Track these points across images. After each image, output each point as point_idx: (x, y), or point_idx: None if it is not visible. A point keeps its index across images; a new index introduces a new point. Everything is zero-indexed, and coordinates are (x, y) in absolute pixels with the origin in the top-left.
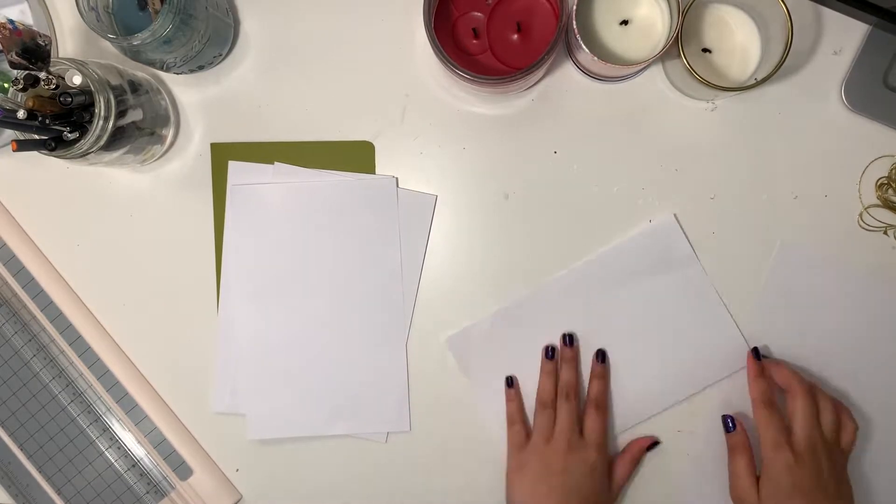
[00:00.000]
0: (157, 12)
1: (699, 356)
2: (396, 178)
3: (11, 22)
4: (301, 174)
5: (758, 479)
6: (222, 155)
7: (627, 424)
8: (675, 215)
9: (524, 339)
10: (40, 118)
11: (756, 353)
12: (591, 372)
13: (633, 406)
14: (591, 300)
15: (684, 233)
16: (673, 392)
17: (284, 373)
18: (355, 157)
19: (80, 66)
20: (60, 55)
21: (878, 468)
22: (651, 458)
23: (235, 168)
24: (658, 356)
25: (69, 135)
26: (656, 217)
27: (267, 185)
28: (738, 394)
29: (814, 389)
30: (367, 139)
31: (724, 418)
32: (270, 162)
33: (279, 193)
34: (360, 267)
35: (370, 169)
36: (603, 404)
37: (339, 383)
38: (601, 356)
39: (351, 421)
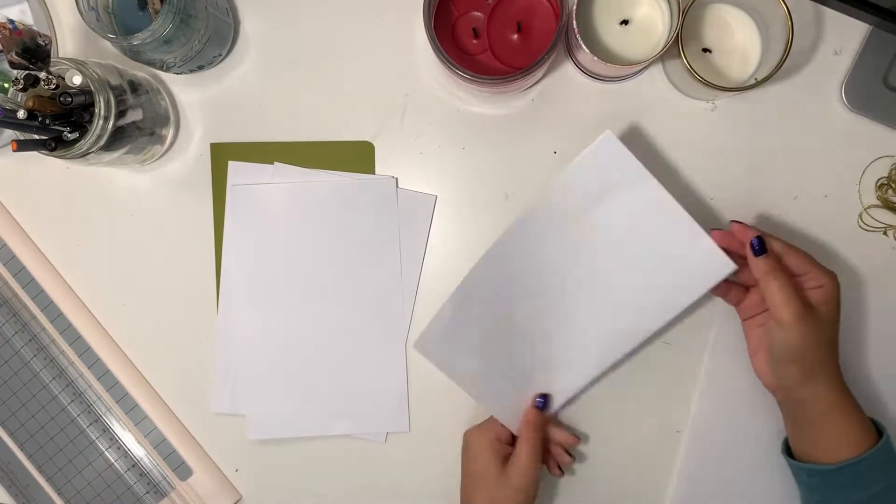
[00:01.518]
0: (157, 12)
1: (676, 274)
2: (396, 179)
3: (11, 22)
4: (301, 174)
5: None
6: (222, 155)
7: (616, 357)
8: (609, 132)
9: (491, 311)
10: (40, 118)
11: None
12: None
13: (619, 339)
14: (544, 245)
15: (627, 148)
16: (657, 317)
17: (284, 373)
18: (355, 157)
19: (80, 66)
20: (60, 55)
21: None
22: (649, 459)
23: (235, 168)
24: (636, 283)
25: (69, 135)
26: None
27: (267, 186)
28: (738, 391)
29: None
30: (366, 139)
31: (753, 242)
32: (270, 162)
33: (279, 193)
34: (360, 267)
35: (370, 169)
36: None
37: (339, 383)
38: (542, 401)
39: (350, 421)
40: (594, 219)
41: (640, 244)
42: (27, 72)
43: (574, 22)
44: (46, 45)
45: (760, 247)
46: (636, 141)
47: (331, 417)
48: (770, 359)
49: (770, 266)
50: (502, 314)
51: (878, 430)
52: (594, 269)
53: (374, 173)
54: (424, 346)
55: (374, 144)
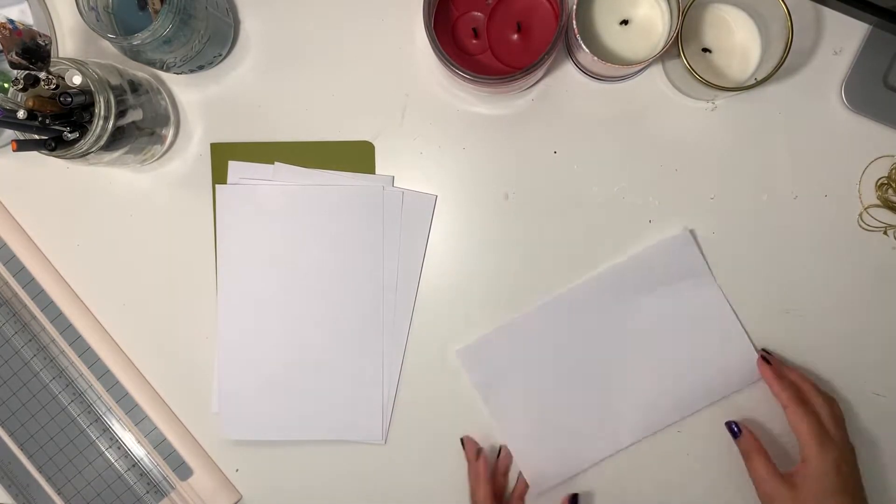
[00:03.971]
0: (157, 12)
1: (712, 370)
2: (393, 178)
3: (11, 22)
4: (301, 174)
5: (784, 475)
6: (222, 155)
7: (638, 436)
8: (690, 231)
9: (535, 353)
10: (40, 118)
11: (765, 358)
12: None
13: (645, 418)
14: (602, 313)
15: (699, 247)
16: (685, 406)
17: (265, 374)
18: (355, 156)
19: (80, 66)
20: (60, 55)
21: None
22: (652, 459)
23: (235, 168)
24: (671, 370)
25: (69, 135)
26: (661, 224)
27: (262, 186)
28: (740, 396)
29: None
30: (367, 139)
31: (729, 425)
32: (271, 162)
33: (275, 193)
34: (359, 267)
35: (370, 169)
36: None
37: (323, 387)
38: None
39: (326, 429)
40: (648, 303)
41: (687, 335)
42: (27, 72)
43: (574, 22)
44: (46, 45)
45: (735, 430)
46: (636, 141)
47: (307, 423)
48: None
49: (748, 445)
50: (548, 364)
51: None
52: (639, 348)
53: (374, 173)
54: (468, 358)
55: (374, 144)
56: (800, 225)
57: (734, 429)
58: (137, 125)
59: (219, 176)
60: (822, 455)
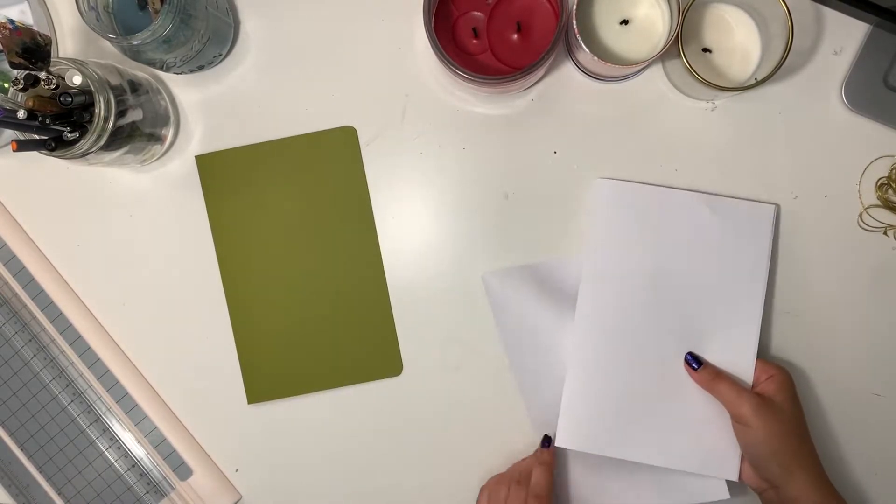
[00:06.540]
0: (157, 12)
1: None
2: (778, 206)
3: (11, 22)
4: (674, 194)
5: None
6: (208, 166)
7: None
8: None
9: (553, 299)
10: (40, 118)
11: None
12: (536, 457)
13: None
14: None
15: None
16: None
17: (611, 391)
18: (339, 144)
19: (80, 66)
20: (60, 55)
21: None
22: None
23: (608, 188)
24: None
25: (69, 135)
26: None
27: (644, 187)
28: None
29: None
30: (348, 125)
31: (687, 358)
32: (253, 163)
33: (653, 198)
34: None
35: (356, 155)
36: (544, 496)
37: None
38: (546, 441)
39: (674, 457)
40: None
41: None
42: (27, 72)
43: (574, 22)
44: (46, 45)
45: (695, 360)
46: (636, 141)
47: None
48: (749, 461)
49: (711, 373)
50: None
51: None
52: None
53: (360, 159)
54: (491, 284)
55: (374, 144)
56: (800, 225)
57: (693, 362)
58: (137, 125)
59: (209, 184)
60: (779, 371)
